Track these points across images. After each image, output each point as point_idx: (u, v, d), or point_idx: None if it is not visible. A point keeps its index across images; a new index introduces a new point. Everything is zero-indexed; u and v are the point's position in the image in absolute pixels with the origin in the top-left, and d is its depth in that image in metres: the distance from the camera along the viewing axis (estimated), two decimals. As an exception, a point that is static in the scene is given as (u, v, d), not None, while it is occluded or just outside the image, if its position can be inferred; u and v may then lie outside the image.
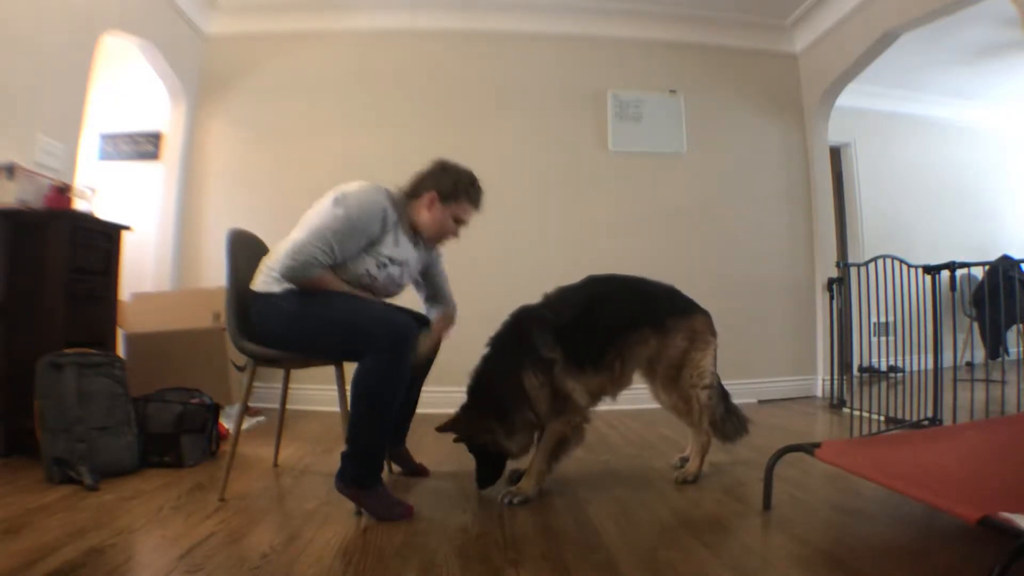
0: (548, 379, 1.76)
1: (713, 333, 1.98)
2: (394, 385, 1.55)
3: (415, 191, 1.81)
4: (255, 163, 3.64)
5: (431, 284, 2.02)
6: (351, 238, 1.63)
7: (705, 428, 1.92)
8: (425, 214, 1.79)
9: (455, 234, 1.87)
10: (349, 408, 1.57)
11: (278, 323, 1.66)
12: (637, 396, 2.25)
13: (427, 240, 1.86)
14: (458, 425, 1.79)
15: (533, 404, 1.76)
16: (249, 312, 1.71)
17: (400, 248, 1.77)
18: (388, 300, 1.84)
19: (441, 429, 1.80)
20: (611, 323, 1.86)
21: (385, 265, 1.73)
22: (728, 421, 1.99)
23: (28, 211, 2.20)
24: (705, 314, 1.99)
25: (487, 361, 1.83)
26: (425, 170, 1.85)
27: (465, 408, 1.81)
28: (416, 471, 2.03)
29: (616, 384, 1.90)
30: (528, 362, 1.76)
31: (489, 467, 1.80)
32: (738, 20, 3.89)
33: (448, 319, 2.00)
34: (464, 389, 1.83)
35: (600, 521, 1.54)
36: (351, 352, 1.65)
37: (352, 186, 1.68)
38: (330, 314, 1.62)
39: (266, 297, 1.67)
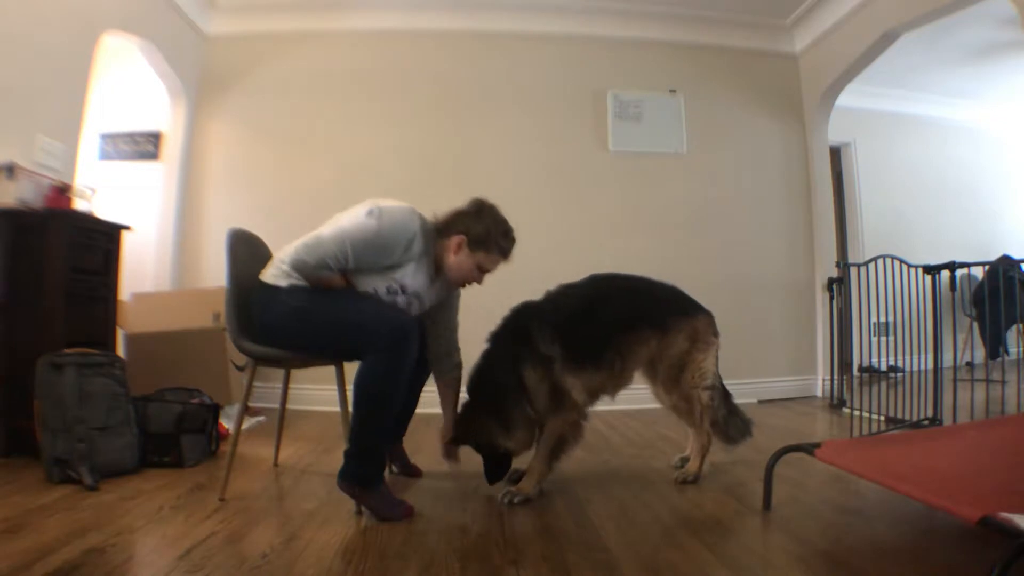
0: (547, 375, 1.76)
1: (715, 333, 1.97)
2: (395, 383, 1.56)
3: (446, 229, 1.75)
4: (255, 163, 3.64)
5: (438, 321, 1.92)
6: (371, 253, 1.61)
7: (706, 428, 1.92)
8: (451, 257, 1.73)
9: (478, 281, 1.80)
10: (351, 408, 1.57)
11: (278, 317, 1.65)
12: (637, 396, 2.25)
13: (450, 281, 1.82)
14: (459, 427, 1.80)
15: (532, 400, 1.76)
16: (251, 300, 1.70)
17: (417, 280, 1.72)
18: None
19: (449, 441, 1.83)
20: (611, 322, 1.86)
21: (396, 292, 1.69)
22: (731, 423, 1.99)
23: (28, 211, 2.20)
24: (707, 314, 1.99)
25: (486, 357, 1.83)
26: (462, 209, 1.78)
27: (466, 407, 1.82)
28: (410, 471, 2.03)
29: (616, 382, 1.90)
30: (527, 358, 1.76)
31: (495, 463, 1.81)
32: (738, 20, 3.89)
33: (454, 390, 1.95)
34: (466, 387, 1.83)
35: (600, 521, 1.54)
36: (351, 351, 1.65)
37: (389, 203, 1.65)
38: (331, 313, 1.62)
39: (272, 289, 1.66)
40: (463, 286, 1.85)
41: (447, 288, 1.88)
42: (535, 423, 1.81)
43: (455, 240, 1.72)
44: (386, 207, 1.63)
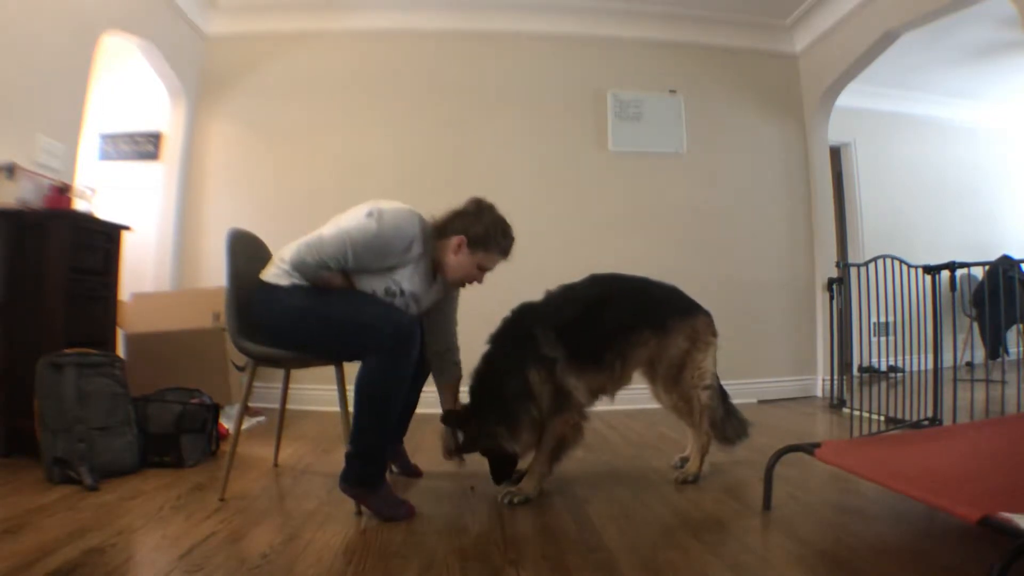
0: (550, 377, 1.76)
1: (714, 333, 1.98)
2: (396, 384, 1.56)
3: (445, 230, 1.74)
4: (255, 163, 3.64)
5: (437, 320, 1.92)
6: (371, 254, 1.60)
7: (705, 428, 1.92)
8: (451, 257, 1.73)
9: (479, 280, 1.79)
10: (352, 409, 1.56)
11: (279, 316, 1.65)
12: (637, 396, 2.25)
13: (449, 282, 1.81)
14: (467, 435, 1.78)
15: (537, 401, 1.76)
16: (251, 301, 1.69)
17: (415, 281, 1.71)
18: None
19: (454, 451, 1.80)
20: (612, 323, 1.86)
21: (395, 294, 1.68)
22: (728, 423, 1.99)
23: (28, 211, 2.20)
24: (706, 314, 1.99)
25: (489, 360, 1.82)
26: (460, 208, 1.77)
27: (470, 412, 1.79)
28: (410, 471, 2.03)
29: (615, 383, 1.90)
30: (531, 360, 1.76)
31: (500, 465, 1.80)
32: (738, 20, 3.89)
33: (453, 389, 1.92)
34: (463, 390, 1.82)
35: (600, 521, 1.54)
36: (353, 352, 1.65)
37: (390, 204, 1.64)
38: (332, 313, 1.61)
39: (272, 289, 1.65)
40: (463, 286, 1.84)
41: (446, 288, 1.87)
42: (540, 424, 1.80)
43: (455, 240, 1.72)
44: (387, 209, 1.62)
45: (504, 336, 1.84)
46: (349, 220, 1.62)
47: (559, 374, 1.76)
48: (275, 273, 1.66)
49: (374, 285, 1.66)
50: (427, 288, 1.77)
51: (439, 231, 1.75)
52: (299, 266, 1.61)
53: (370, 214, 1.60)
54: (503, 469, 1.81)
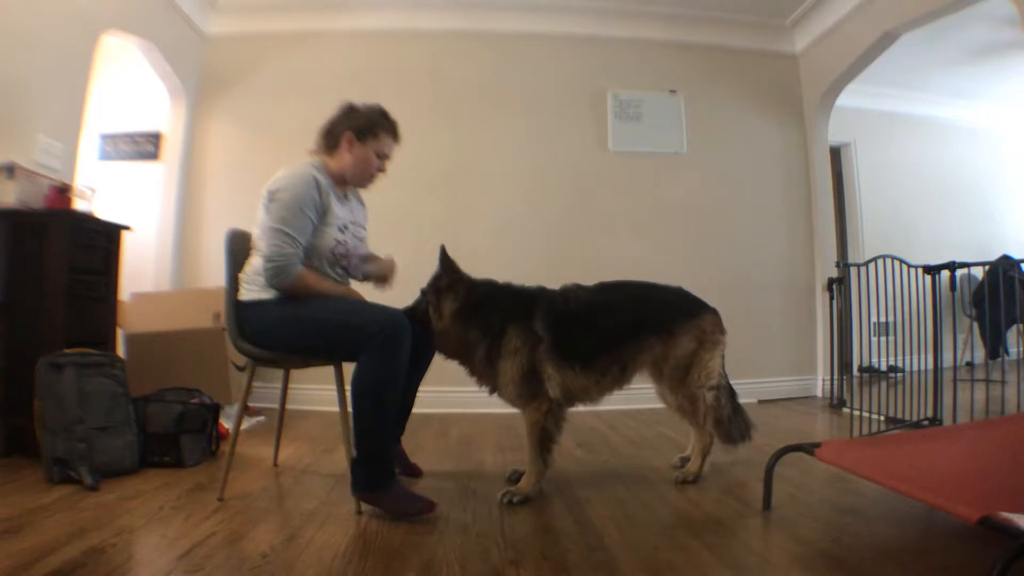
0: (528, 352, 1.76)
1: (722, 331, 1.97)
2: (392, 382, 1.56)
3: (331, 140, 1.81)
4: (255, 163, 3.62)
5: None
6: (301, 217, 1.64)
7: (709, 429, 1.92)
8: (347, 157, 1.79)
9: (381, 170, 1.87)
10: (351, 412, 1.57)
11: (273, 327, 1.67)
12: (637, 396, 2.25)
13: (354, 182, 1.86)
14: (450, 275, 1.83)
15: (495, 352, 1.77)
16: (241, 322, 1.72)
17: (343, 208, 1.80)
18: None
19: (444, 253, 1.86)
20: (612, 331, 1.85)
21: (345, 228, 1.77)
22: (734, 422, 1.97)
23: (28, 211, 2.20)
24: (713, 313, 1.98)
25: (493, 286, 1.86)
26: (333, 117, 1.84)
27: (465, 280, 1.84)
28: (410, 471, 2.03)
29: (604, 388, 1.88)
30: (519, 323, 1.78)
31: (414, 316, 1.81)
32: (738, 20, 3.89)
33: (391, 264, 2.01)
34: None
35: (600, 521, 1.54)
36: (346, 352, 1.66)
37: (275, 175, 1.69)
38: (323, 315, 1.63)
39: (258, 305, 1.68)
40: (369, 182, 1.88)
41: (359, 200, 1.97)
42: (471, 350, 1.80)
43: (344, 141, 1.78)
44: (275, 179, 1.68)
45: (515, 290, 1.87)
46: (264, 219, 1.66)
47: (540, 355, 1.76)
48: (252, 290, 1.70)
49: (330, 235, 1.72)
50: (351, 208, 1.85)
51: (328, 147, 1.81)
52: (272, 281, 1.63)
53: (269, 197, 1.66)
54: (412, 319, 1.77)
